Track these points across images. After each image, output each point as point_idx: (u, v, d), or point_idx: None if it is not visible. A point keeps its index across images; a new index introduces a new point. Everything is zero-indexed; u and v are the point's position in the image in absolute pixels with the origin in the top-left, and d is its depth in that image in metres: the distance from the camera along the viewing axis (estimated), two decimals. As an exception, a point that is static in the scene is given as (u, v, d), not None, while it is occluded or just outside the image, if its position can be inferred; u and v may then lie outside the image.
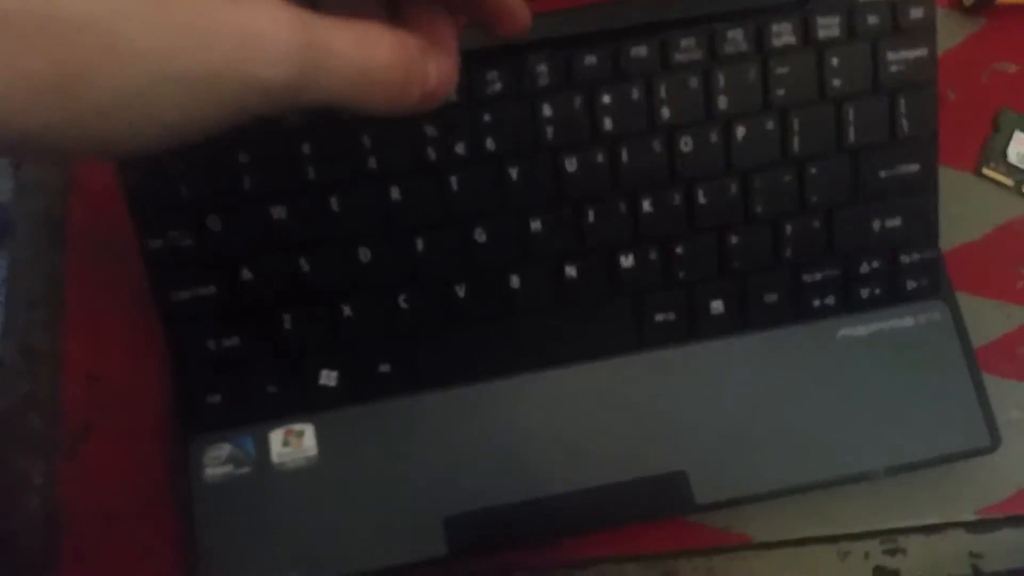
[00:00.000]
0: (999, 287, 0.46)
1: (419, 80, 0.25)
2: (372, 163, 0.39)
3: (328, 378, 0.41)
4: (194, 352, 0.40)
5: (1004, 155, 0.47)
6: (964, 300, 0.44)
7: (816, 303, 0.42)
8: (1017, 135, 0.47)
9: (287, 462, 0.40)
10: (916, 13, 0.40)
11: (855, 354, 0.42)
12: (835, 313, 0.43)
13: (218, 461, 0.40)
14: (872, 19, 0.40)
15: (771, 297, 0.42)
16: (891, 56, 0.40)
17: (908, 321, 0.43)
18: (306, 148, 0.39)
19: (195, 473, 0.40)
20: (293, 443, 0.41)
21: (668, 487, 0.40)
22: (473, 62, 0.38)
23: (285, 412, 0.41)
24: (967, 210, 0.47)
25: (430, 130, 0.39)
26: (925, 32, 0.40)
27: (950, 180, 0.46)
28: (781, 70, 0.40)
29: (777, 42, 0.40)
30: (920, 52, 0.40)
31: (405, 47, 0.25)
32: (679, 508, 0.41)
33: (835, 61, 0.40)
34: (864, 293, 0.43)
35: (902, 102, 0.41)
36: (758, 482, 0.41)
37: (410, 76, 0.25)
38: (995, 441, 0.42)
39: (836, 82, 0.40)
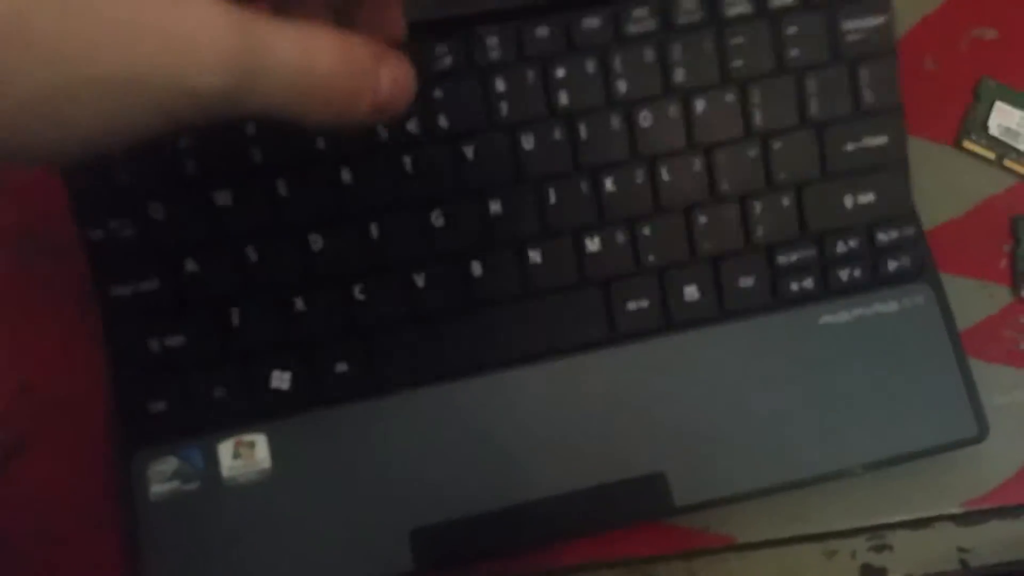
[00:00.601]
0: (982, 266, 0.42)
1: (369, 90, 0.22)
2: (321, 144, 0.35)
3: (281, 380, 0.36)
4: (136, 352, 0.35)
5: (985, 127, 0.43)
6: (946, 280, 0.40)
7: (794, 287, 0.39)
8: (999, 105, 0.43)
9: (238, 476, 0.36)
10: None
11: (838, 343, 0.38)
12: (815, 298, 0.39)
13: (164, 476, 0.36)
14: None
15: (747, 281, 0.38)
16: (848, 25, 0.37)
17: (892, 306, 0.39)
18: (251, 129, 0.35)
19: (139, 490, 0.36)
20: (244, 455, 0.36)
21: (646, 490, 0.37)
22: (421, 35, 0.34)
23: (235, 420, 0.36)
24: (947, 186, 0.42)
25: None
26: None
27: (929, 154, 0.42)
28: (737, 40, 0.37)
29: (731, 11, 0.37)
30: (877, 20, 0.37)
31: (352, 51, 0.21)
32: (658, 511, 0.37)
33: (792, 30, 0.37)
34: (844, 275, 0.39)
35: (864, 72, 0.38)
36: (740, 481, 0.37)
37: (359, 85, 0.21)
38: (983, 431, 0.38)
39: (794, 52, 0.37)
